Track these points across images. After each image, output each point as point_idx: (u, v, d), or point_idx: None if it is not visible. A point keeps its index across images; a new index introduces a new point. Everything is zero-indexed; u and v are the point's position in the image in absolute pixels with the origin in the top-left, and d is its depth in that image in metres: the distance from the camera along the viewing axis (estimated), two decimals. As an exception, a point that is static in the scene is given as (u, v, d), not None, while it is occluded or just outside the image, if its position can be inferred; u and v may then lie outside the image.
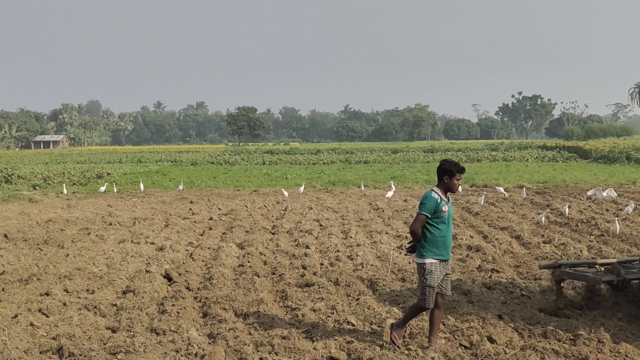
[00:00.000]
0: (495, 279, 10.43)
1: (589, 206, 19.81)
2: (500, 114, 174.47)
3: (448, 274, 7.17)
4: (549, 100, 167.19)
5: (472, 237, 14.60)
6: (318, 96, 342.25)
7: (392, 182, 26.98)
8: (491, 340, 7.27)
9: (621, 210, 18.54)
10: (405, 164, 48.02)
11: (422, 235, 6.99)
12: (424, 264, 6.98)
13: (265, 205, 21.16)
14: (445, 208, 6.98)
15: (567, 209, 17.23)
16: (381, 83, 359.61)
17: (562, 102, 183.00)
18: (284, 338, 7.37)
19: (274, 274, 11.06)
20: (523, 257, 12.32)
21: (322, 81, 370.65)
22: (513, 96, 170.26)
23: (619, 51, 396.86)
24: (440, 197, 7.00)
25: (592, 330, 7.40)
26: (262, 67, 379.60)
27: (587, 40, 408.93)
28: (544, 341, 7.22)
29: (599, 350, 6.86)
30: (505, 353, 6.86)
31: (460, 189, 7.48)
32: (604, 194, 20.03)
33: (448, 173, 7.03)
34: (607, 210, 18.84)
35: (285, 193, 23.51)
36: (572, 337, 7.26)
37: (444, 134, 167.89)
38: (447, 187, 7.09)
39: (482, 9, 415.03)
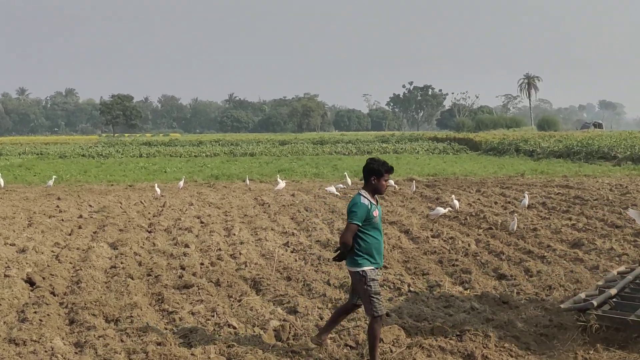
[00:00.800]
0: (383, 275, 10.67)
1: (478, 199, 20.68)
2: (392, 104, 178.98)
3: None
4: (440, 90, 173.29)
5: (360, 232, 14.87)
6: (200, 84, 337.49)
7: (278, 176, 27.07)
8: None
9: (510, 203, 19.52)
10: (294, 156, 48.35)
11: (355, 244, 6.75)
12: (364, 271, 6.73)
13: (141, 202, 20.67)
14: (375, 213, 6.77)
15: (456, 203, 17.84)
16: (268, 71, 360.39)
17: (453, 93, 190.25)
18: (159, 344, 7.22)
19: (149, 275, 10.81)
20: (412, 252, 12.68)
21: (204, 68, 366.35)
22: (404, 86, 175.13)
23: (508, 42, 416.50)
24: (370, 202, 6.76)
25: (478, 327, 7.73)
26: (139, 52, 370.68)
27: (478, 30, 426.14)
28: (430, 338, 7.46)
29: (485, 346, 7.16)
30: (392, 352, 7.04)
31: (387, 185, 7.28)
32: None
33: (376, 173, 6.80)
34: (495, 203, 19.74)
35: (158, 190, 22.31)
36: (458, 333, 7.55)
37: (334, 125, 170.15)
38: (375, 189, 6.85)
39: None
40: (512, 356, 7.07)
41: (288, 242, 13.70)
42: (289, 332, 7.67)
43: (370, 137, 79.87)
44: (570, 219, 16.20)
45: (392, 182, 24.07)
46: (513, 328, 7.93)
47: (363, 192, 6.83)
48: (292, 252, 12.83)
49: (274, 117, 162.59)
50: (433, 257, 12.27)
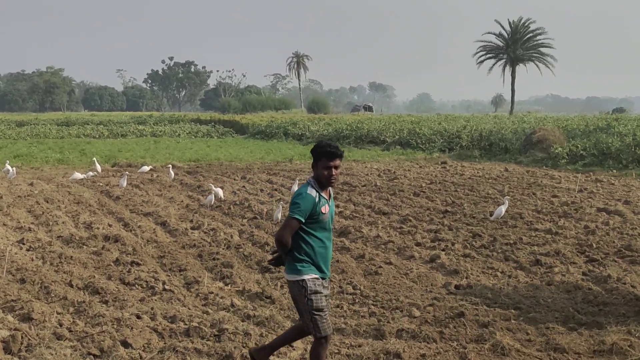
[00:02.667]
0: (135, 273, 10.49)
1: (243, 186, 21.05)
2: (150, 82, 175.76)
3: (328, 296, 6.26)
4: (204, 67, 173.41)
5: (110, 225, 14.52)
6: None
7: (8, 162, 25.41)
8: (126, 344, 7.30)
9: (277, 190, 20.08)
10: (34, 139, 45.76)
11: (296, 246, 6.05)
12: (304, 281, 6.00)
13: None
14: (325, 209, 6.05)
15: (220, 191, 17.98)
16: (3, 35, 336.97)
17: (218, 71, 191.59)
18: None
19: None
20: (168, 246, 12.60)
21: None
22: (163, 62, 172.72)
23: (277, 17, 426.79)
24: (319, 194, 6.04)
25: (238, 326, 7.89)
26: None
27: (245, 1, 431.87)
28: (186, 340, 7.48)
29: (244, 345, 7.32)
30: (142, 358, 6.96)
31: (334, 174, 6.00)
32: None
33: (315, 157, 6.09)
34: (261, 190, 20.21)
35: None
36: (216, 333, 7.64)
37: (83, 103, 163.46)
38: (317, 179, 6.10)
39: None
40: (274, 354, 7.29)
41: (23, 238, 12.96)
42: (21, 343, 7.27)
43: (125, 117, 77.89)
44: (337, 206, 17.02)
45: (147, 168, 23.83)
46: (275, 324, 8.18)
47: (312, 180, 6.12)
48: (27, 250, 12.16)
49: (10, 93, 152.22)
50: (192, 251, 12.30)
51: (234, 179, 23.28)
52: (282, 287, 10.06)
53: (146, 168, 24.09)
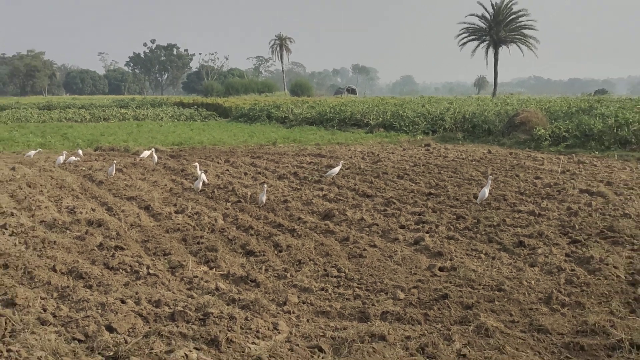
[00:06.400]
0: (119, 257, 10.46)
1: (227, 170, 21.00)
2: (132, 65, 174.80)
3: None
4: (186, 50, 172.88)
5: (93, 209, 14.45)
6: None
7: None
8: (110, 329, 7.28)
9: (260, 174, 20.05)
10: (15, 123, 45.41)
11: None
12: None
13: None
14: None
15: (203, 175, 17.90)
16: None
17: (200, 54, 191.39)
18: None
19: None
20: (152, 230, 12.58)
21: None
22: (145, 45, 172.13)
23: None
24: None
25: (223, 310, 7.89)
26: None
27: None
28: (171, 324, 7.46)
29: (230, 329, 7.32)
30: (127, 342, 6.94)
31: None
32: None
33: None
34: (245, 174, 20.17)
35: None
36: (201, 317, 7.63)
37: (64, 87, 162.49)
38: None
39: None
40: (258, 337, 7.30)
41: (6, 223, 12.86)
42: (5, 329, 7.23)
43: (107, 101, 77.54)
44: (322, 189, 17.04)
45: (80, 152, 24.14)
46: (260, 308, 8.18)
47: None
48: (10, 235, 12.08)
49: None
50: (176, 235, 12.27)
51: (218, 163, 23.21)
52: (266, 270, 10.06)
53: (32, 153, 24.07)
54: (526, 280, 9.34)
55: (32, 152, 24.09)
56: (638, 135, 26.55)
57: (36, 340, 6.98)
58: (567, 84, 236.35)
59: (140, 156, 23.72)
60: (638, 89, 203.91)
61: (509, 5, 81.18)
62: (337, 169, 18.53)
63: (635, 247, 11.01)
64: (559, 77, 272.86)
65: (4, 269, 9.86)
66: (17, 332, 7.23)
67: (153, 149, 24.14)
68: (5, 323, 7.32)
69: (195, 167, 18.74)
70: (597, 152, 25.69)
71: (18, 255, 10.45)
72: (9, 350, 6.69)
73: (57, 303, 8.21)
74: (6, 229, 12.48)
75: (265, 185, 15.97)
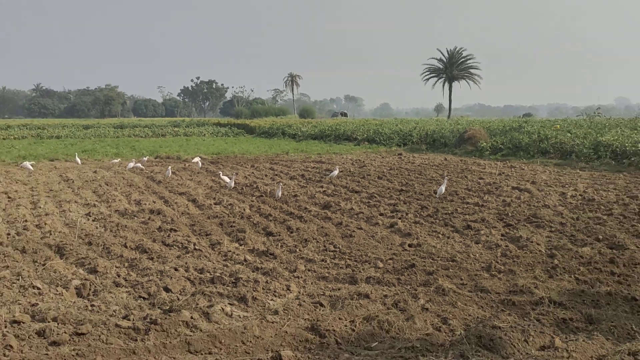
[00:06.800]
0: (173, 237, 10.45)
1: (252, 173, 20.96)
2: (182, 95, 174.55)
3: None
4: (222, 84, 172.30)
5: (154, 202, 14.44)
6: (7, 74, 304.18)
7: (76, 154, 25.19)
8: (167, 289, 7.29)
9: (277, 175, 20.01)
10: (97, 138, 45.32)
11: None
12: None
13: (-54, 180, 18.19)
14: None
15: (226, 178, 17.88)
16: (73, 60, 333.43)
17: (233, 87, 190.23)
18: (-37, 310, 6.44)
19: (-46, 247, 9.58)
20: (197, 217, 12.55)
21: (10, 58, 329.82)
22: (192, 80, 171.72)
23: (277, 45, 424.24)
24: None
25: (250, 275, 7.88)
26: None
27: (253, 34, 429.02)
28: (211, 286, 7.47)
29: (254, 289, 7.32)
30: (179, 299, 6.95)
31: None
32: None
33: None
34: (266, 175, 20.14)
35: None
36: (233, 281, 7.64)
37: (133, 112, 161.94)
38: None
39: None
40: (275, 296, 7.31)
41: (90, 212, 12.88)
42: (90, 289, 7.25)
43: (164, 122, 77.18)
44: (322, 187, 17.01)
45: (145, 159, 24.04)
46: (277, 274, 8.19)
47: None
48: (93, 220, 12.09)
49: (78, 105, 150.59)
50: (215, 220, 12.25)
51: (245, 167, 23.16)
52: (281, 246, 10.05)
53: (115, 161, 24.20)
54: (472, 254, 9.33)
55: (115, 161, 24.27)
56: (555, 146, 26.50)
57: (112, 297, 7.00)
58: (503, 109, 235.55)
59: (193, 160, 23.61)
60: (555, 113, 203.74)
61: (459, 51, 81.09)
62: (335, 172, 18.51)
63: (553, 229, 11.00)
64: (497, 104, 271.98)
65: (88, 245, 9.88)
66: (98, 292, 7.25)
67: (199, 157, 24.10)
68: (90, 285, 7.34)
69: (219, 174, 18.64)
70: (524, 159, 25.61)
71: (99, 235, 10.46)
72: (92, 305, 6.71)
73: (128, 270, 8.23)
74: (90, 216, 12.50)
75: (281, 184, 15.97)
